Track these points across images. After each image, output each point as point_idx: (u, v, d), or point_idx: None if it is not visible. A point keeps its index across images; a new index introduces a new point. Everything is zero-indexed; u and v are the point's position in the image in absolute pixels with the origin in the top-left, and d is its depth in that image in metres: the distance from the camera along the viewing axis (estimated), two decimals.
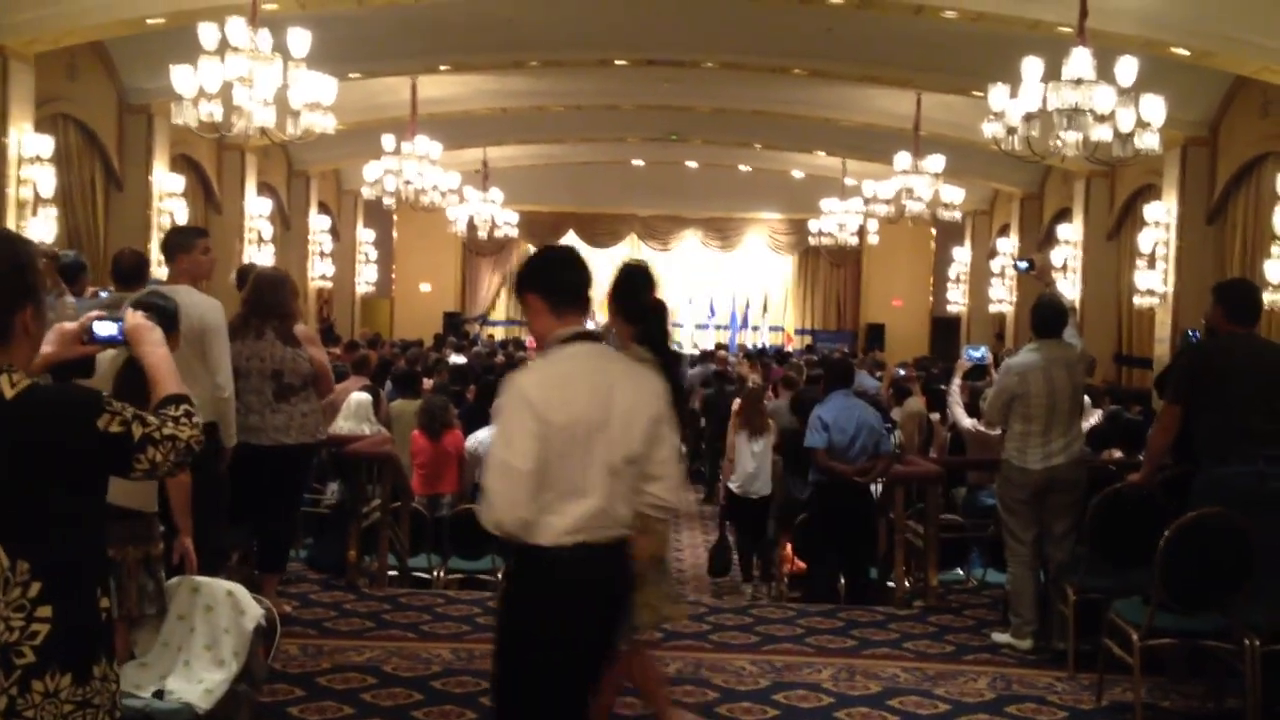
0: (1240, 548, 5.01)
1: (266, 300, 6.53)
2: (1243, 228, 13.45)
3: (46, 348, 2.87)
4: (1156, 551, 5.04)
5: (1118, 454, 7.89)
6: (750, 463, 9.82)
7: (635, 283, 4.61)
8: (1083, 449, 6.66)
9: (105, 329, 2.93)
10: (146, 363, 2.83)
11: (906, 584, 7.87)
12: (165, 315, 4.86)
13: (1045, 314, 6.75)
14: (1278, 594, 4.98)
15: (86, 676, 2.58)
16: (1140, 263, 15.09)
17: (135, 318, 2.90)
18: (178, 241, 6.15)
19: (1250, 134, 13.12)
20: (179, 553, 4.85)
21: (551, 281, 3.60)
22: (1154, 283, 14.68)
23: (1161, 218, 14.55)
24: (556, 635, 3.46)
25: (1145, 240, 14.88)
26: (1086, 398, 7.85)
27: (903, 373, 12.20)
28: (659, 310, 4.78)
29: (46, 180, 11.34)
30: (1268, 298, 10.88)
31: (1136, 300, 15.28)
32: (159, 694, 4.68)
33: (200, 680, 4.59)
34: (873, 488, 8.19)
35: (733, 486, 10.01)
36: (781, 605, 7.86)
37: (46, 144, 11.34)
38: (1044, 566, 6.63)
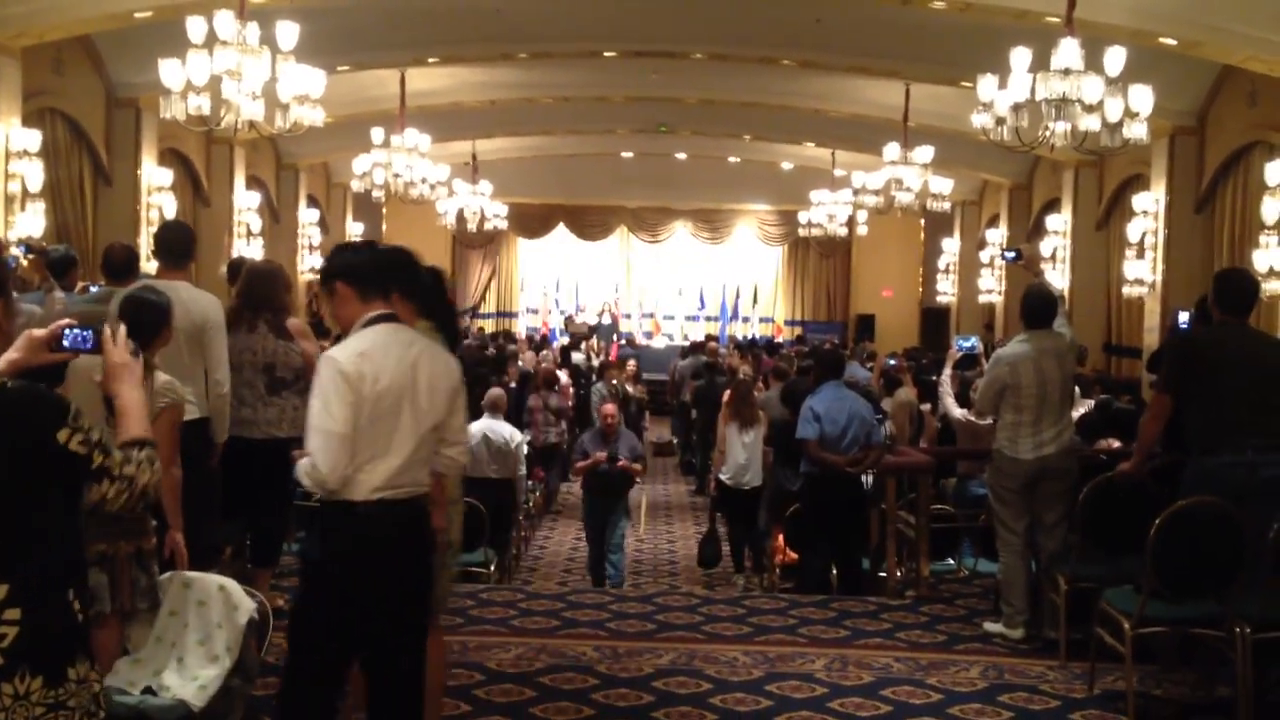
0: (1232, 537, 5.03)
1: (259, 293, 6.52)
2: (1231, 217, 13.48)
3: (13, 354, 2.83)
4: (1148, 540, 5.06)
5: (1115, 444, 7.90)
6: (741, 454, 9.87)
7: (410, 263, 4.68)
8: (1073, 438, 6.68)
9: (76, 337, 2.89)
10: (119, 401, 2.83)
11: (898, 574, 7.88)
12: (158, 311, 4.86)
13: (1035, 304, 6.76)
14: (1268, 583, 5.01)
15: (60, 679, 2.56)
16: (1129, 252, 15.13)
17: (121, 354, 2.86)
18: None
19: (1238, 123, 13.15)
20: (170, 548, 4.85)
21: (359, 272, 3.99)
22: (1143, 272, 14.72)
23: (1150, 207, 14.59)
24: (361, 580, 3.86)
25: (1134, 230, 14.91)
26: (1076, 387, 7.86)
27: (893, 363, 12.22)
28: (439, 280, 4.94)
29: (34, 175, 11.30)
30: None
31: (1125, 290, 15.31)
32: (150, 690, 4.68)
33: (195, 676, 4.58)
34: (864, 478, 8.21)
35: (724, 478, 10.05)
36: (774, 596, 7.89)
37: (34, 138, 11.29)
38: (1035, 556, 6.66)
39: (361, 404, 3.77)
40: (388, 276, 4.05)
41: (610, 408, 10.52)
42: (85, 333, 2.90)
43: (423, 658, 4.07)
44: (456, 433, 4.10)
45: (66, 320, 2.97)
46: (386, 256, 4.21)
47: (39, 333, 2.89)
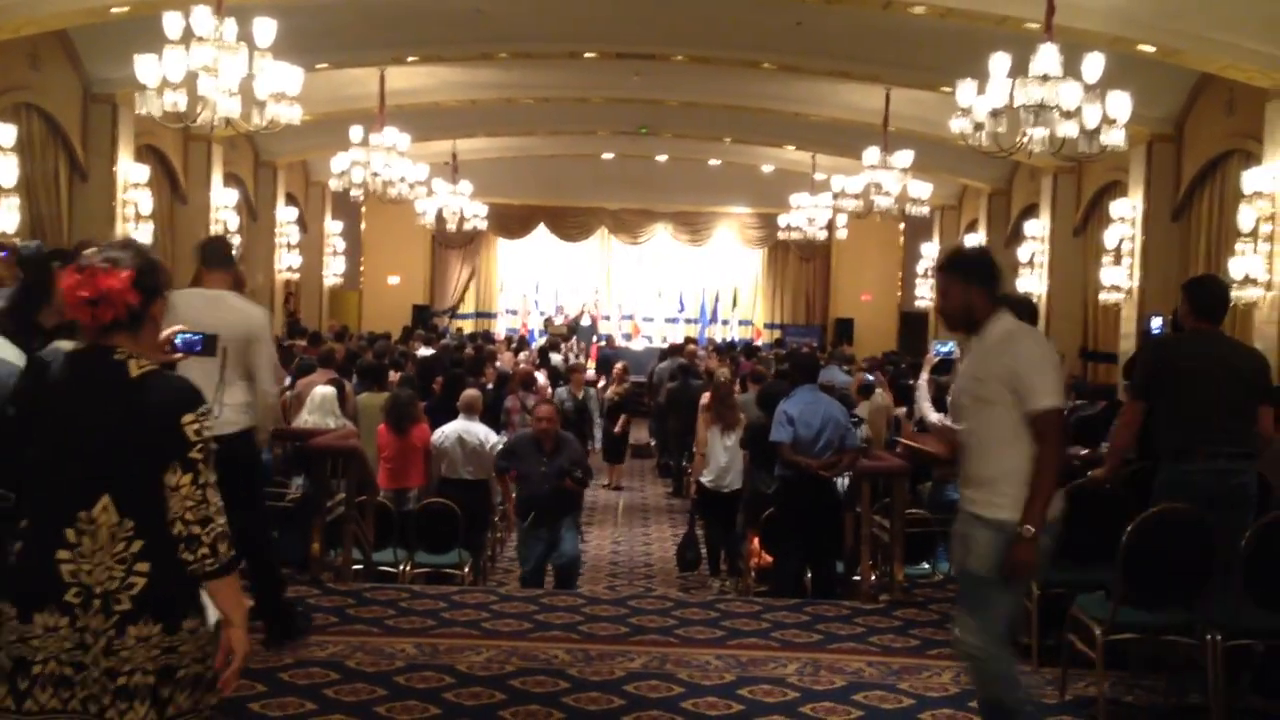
0: (1203, 544, 5.04)
1: None
2: (1207, 224, 13.54)
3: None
4: (1119, 547, 5.06)
5: (1082, 451, 7.90)
6: (723, 456, 9.82)
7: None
8: None
9: (187, 341, 3.53)
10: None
11: (873, 578, 7.87)
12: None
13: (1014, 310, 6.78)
14: (1239, 590, 5.01)
15: (175, 627, 2.98)
16: (1106, 258, 15.18)
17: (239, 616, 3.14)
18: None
19: (1215, 131, 13.21)
20: None
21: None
22: (1119, 278, 14.78)
23: (1127, 214, 14.65)
24: None
25: (1111, 236, 14.97)
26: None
27: (870, 379, 12.17)
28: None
29: (9, 170, 11.22)
30: (1233, 294, 10.94)
31: (1102, 296, 15.37)
32: None
33: None
34: (838, 482, 8.20)
35: (705, 481, 9.99)
36: (748, 600, 7.86)
37: (9, 133, 11.21)
38: None
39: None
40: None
41: (547, 409, 9.16)
42: (195, 337, 3.55)
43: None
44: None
45: (179, 326, 3.50)
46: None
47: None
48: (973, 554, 4.30)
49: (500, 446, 9.59)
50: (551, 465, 8.69)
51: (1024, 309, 6.77)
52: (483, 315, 26.94)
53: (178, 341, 3.47)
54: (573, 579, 9.04)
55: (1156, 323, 7.96)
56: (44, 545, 2.96)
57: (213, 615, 4.51)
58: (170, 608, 2.97)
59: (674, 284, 27.04)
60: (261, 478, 6.93)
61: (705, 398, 13.13)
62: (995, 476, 4.28)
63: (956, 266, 4.52)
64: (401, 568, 8.50)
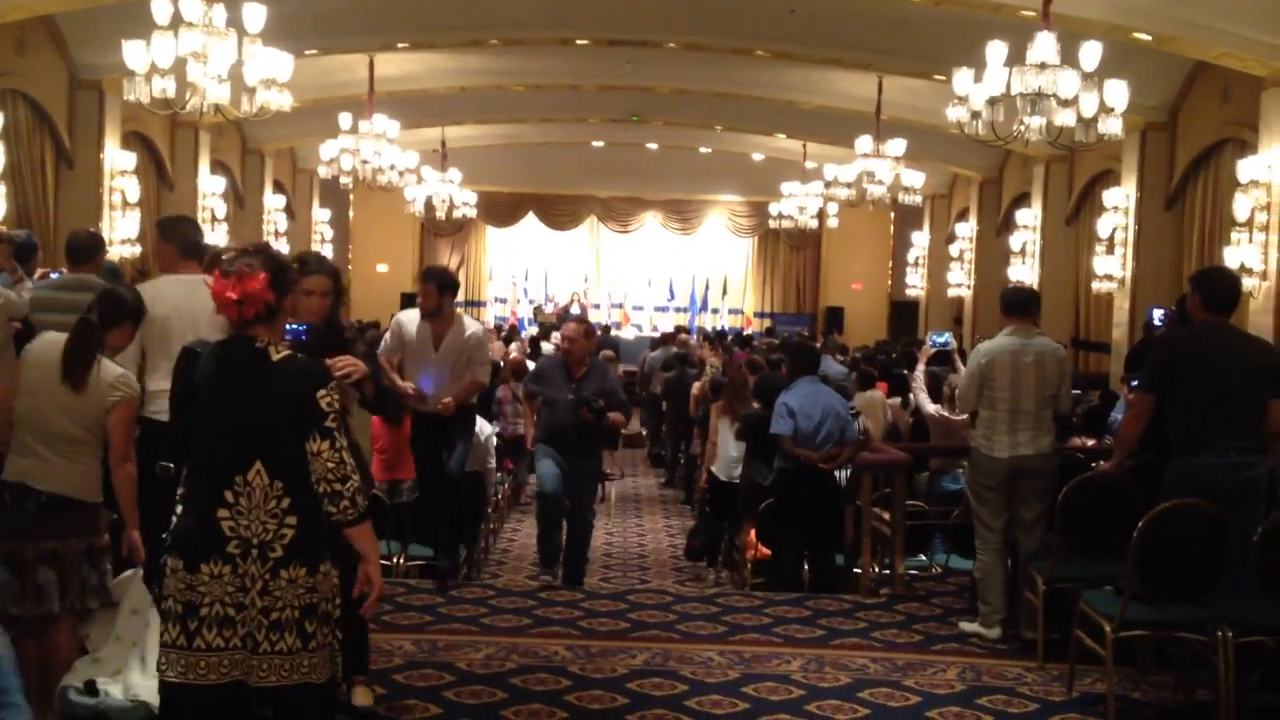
0: (1216, 539, 4.97)
1: None
2: (1201, 214, 13.51)
3: None
4: (1129, 541, 5.00)
5: (1090, 442, 7.86)
6: (733, 448, 9.61)
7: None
8: (1052, 443, 6.55)
9: (294, 330, 4.17)
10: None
11: (874, 570, 7.80)
12: (115, 304, 4.77)
13: (1011, 296, 6.79)
14: (1251, 586, 4.95)
15: (315, 571, 3.54)
16: (1099, 247, 15.14)
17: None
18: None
19: (1210, 120, 13.16)
20: (127, 546, 4.71)
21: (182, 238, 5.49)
22: (1112, 267, 14.74)
23: (1120, 203, 14.60)
24: None
25: (1104, 225, 14.91)
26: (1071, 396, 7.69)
27: (869, 371, 11.98)
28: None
29: None
30: None
31: (1095, 285, 15.33)
32: (91, 685, 4.52)
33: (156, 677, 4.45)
34: (838, 474, 8.12)
35: (717, 472, 9.81)
36: (748, 594, 7.79)
37: None
38: (1012, 554, 6.59)
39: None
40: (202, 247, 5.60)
41: (573, 327, 8.21)
42: (300, 328, 4.28)
43: None
44: None
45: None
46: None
47: None
48: None
49: (494, 438, 9.49)
50: (578, 392, 7.75)
51: (1012, 293, 6.76)
52: (472, 304, 26.79)
53: (285, 331, 3.90)
54: (587, 522, 8.16)
55: (1158, 314, 7.85)
56: (205, 506, 3.51)
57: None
58: (313, 554, 3.54)
59: (664, 272, 26.93)
60: None
61: (696, 387, 13.10)
62: None
63: None
64: (396, 560, 8.40)
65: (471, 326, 7.50)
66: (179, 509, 3.63)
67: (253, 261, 3.59)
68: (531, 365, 13.78)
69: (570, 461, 7.83)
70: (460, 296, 29.12)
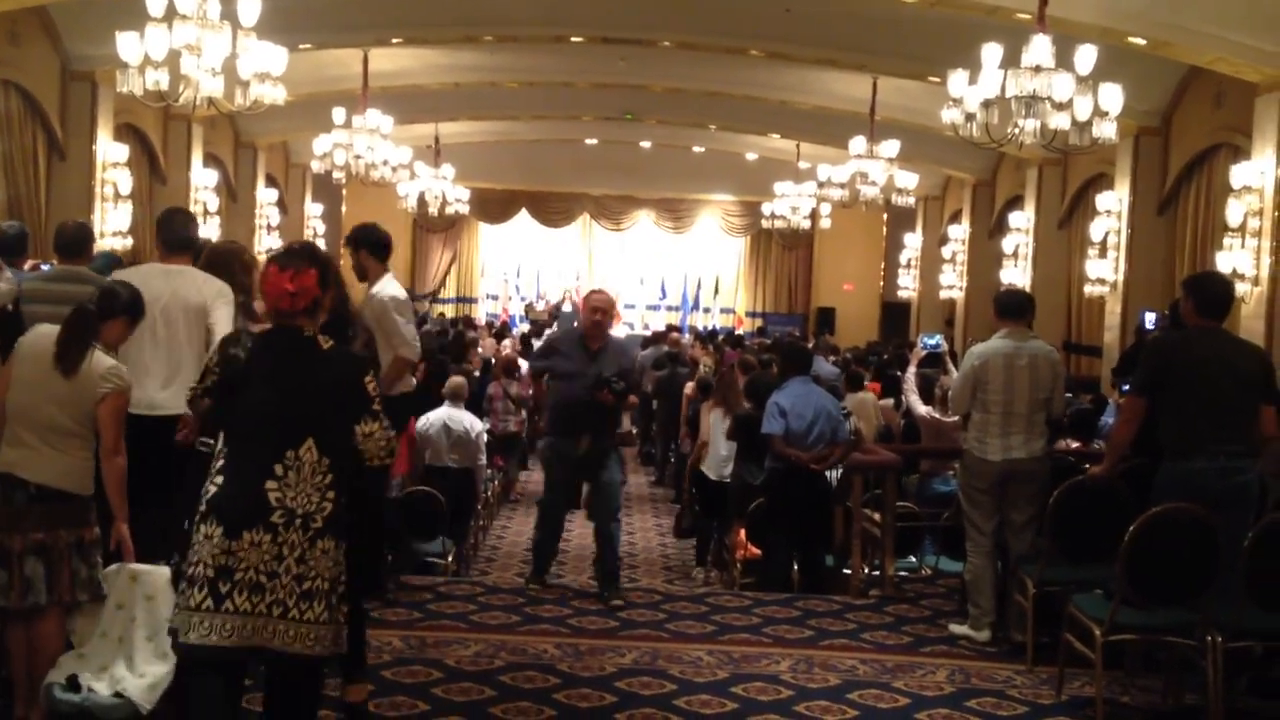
0: (1206, 544, 4.97)
1: (220, 275, 6.27)
2: (1194, 218, 13.52)
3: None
4: (1120, 545, 5.00)
5: (1074, 444, 7.87)
6: (724, 447, 9.59)
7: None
8: (1045, 447, 6.54)
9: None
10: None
11: (863, 571, 7.80)
12: (112, 300, 4.77)
13: (1005, 299, 6.79)
14: (1241, 591, 4.96)
15: (341, 546, 3.88)
16: (1091, 251, 15.15)
17: None
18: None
19: (1203, 125, 13.18)
20: (116, 540, 4.69)
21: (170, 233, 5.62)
22: (1104, 271, 14.75)
23: (1113, 207, 14.61)
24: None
25: (1096, 229, 14.93)
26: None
27: (860, 372, 11.98)
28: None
29: None
30: None
31: (1087, 289, 15.35)
32: (74, 681, 4.49)
33: (143, 674, 4.43)
34: (828, 474, 8.12)
35: (707, 471, 9.79)
36: (737, 594, 7.79)
37: None
38: (1002, 557, 6.59)
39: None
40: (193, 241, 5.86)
41: (601, 297, 7.55)
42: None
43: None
44: None
45: None
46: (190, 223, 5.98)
47: None
48: None
49: (485, 435, 9.47)
50: (595, 370, 7.04)
51: (1007, 296, 6.76)
52: (463, 300, 26.78)
53: None
54: (614, 508, 7.32)
55: (1150, 318, 7.87)
56: (252, 477, 3.78)
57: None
58: (342, 528, 3.86)
59: (656, 271, 26.90)
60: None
61: (689, 387, 13.08)
62: None
63: None
64: (386, 556, 8.37)
65: (381, 287, 6.45)
66: (219, 479, 3.85)
67: (303, 258, 3.94)
68: (524, 363, 13.76)
69: (588, 443, 7.08)
70: (452, 293, 28.91)
